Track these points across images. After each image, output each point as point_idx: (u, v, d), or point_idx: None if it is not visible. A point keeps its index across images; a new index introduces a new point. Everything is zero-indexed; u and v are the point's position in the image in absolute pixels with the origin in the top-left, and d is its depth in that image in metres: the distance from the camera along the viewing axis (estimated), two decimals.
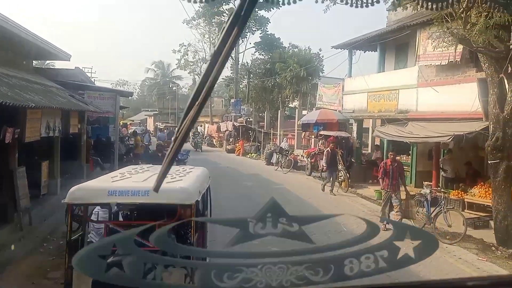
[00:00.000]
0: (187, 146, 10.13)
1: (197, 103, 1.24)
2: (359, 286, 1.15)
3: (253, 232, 1.09)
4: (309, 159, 19.81)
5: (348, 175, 16.08)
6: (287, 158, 21.47)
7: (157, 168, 5.67)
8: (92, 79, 33.68)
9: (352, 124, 20.79)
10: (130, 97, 74.35)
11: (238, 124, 34.00)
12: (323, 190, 15.44)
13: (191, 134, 28.98)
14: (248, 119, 35.72)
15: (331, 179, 15.30)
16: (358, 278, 1.09)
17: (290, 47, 37.47)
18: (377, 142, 19.66)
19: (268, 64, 35.65)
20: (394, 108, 15.56)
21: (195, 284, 1.08)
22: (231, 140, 33.62)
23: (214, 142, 38.66)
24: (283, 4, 1.47)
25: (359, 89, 17.85)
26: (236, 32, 1.18)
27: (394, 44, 17.54)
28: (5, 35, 10.45)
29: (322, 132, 19.16)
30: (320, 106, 23.45)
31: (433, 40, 11.52)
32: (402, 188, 10.75)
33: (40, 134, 9.65)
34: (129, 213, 5.51)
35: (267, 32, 39.82)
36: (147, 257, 1.04)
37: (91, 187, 4.96)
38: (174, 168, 5.82)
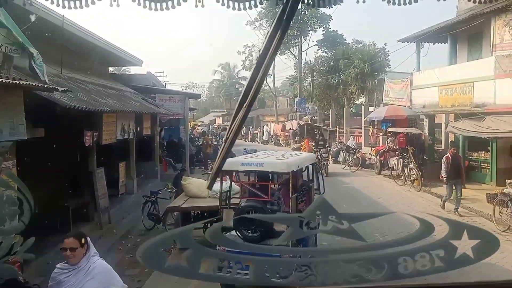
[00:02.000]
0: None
1: (244, 105, 1.30)
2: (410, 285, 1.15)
3: (303, 230, 1.10)
4: (378, 157, 19.27)
5: (420, 173, 15.41)
6: (355, 156, 21.06)
7: (274, 153, 8.16)
8: (163, 83, 35.23)
9: (423, 120, 19.91)
10: (199, 99, 76.96)
11: (303, 123, 33.81)
12: (442, 207, 12.29)
13: (313, 148, 24.43)
14: (313, 117, 35.39)
15: (452, 194, 12.00)
16: (414, 276, 1.09)
17: (353, 43, 36.74)
18: (452, 138, 18.69)
19: (332, 61, 35.11)
20: (469, 101, 14.67)
21: (249, 278, 1.11)
22: (296, 139, 33.54)
23: (280, 141, 38.84)
24: (330, 5, 1.49)
25: (430, 83, 17.04)
26: (279, 36, 1.23)
27: (467, 35, 16.57)
28: (82, 44, 11.24)
29: (390, 129, 18.57)
30: (387, 102, 22.64)
31: (511, 27, 10.74)
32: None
33: (116, 136, 10.26)
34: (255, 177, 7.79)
35: (329, 29, 39.26)
36: (203, 251, 1.09)
37: (232, 161, 7.30)
38: (289, 152, 8.87)
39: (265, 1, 1.39)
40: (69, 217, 8.71)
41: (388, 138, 19.39)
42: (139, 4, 1.37)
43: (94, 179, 9.50)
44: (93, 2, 1.39)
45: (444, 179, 11.95)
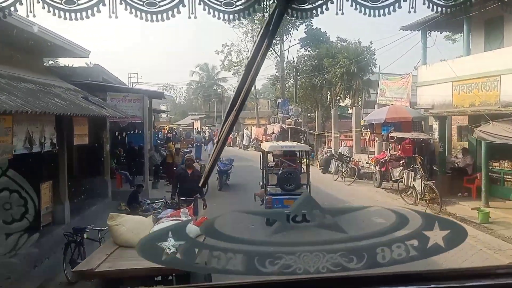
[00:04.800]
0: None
1: (235, 108, 1.52)
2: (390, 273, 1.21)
3: (290, 223, 1.17)
4: (378, 167, 16.15)
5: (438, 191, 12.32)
6: (349, 166, 18.08)
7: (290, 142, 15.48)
8: (132, 84, 31.76)
9: (427, 122, 17.10)
10: (177, 101, 73.10)
11: (286, 126, 30.88)
12: None
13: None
14: (297, 120, 32.49)
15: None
16: (391, 265, 1.15)
17: (338, 41, 34.19)
18: (455, 143, 16.04)
19: (315, 60, 32.53)
20: (495, 100, 11.87)
21: (240, 269, 1.16)
22: None
23: (261, 146, 35.81)
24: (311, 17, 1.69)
25: (440, 78, 14.18)
26: (266, 44, 1.46)
27: (483, 20, 13.87)
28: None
29: (393, 134, 15.45)
30: (382, 103, 19.99)
31: None
32: None
33: (13, 150, 6.85)
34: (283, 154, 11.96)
35: (312, 27, 36.55)
36: (197, 245, 1.17)
37: (273, 144, 13.50)
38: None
39: (253, 12, 1.60)
40: None
41: (390, 145, 16.33)
42: (135, 16, 1.47)
43: None
44: (93, 14, 1.45)
45: None
